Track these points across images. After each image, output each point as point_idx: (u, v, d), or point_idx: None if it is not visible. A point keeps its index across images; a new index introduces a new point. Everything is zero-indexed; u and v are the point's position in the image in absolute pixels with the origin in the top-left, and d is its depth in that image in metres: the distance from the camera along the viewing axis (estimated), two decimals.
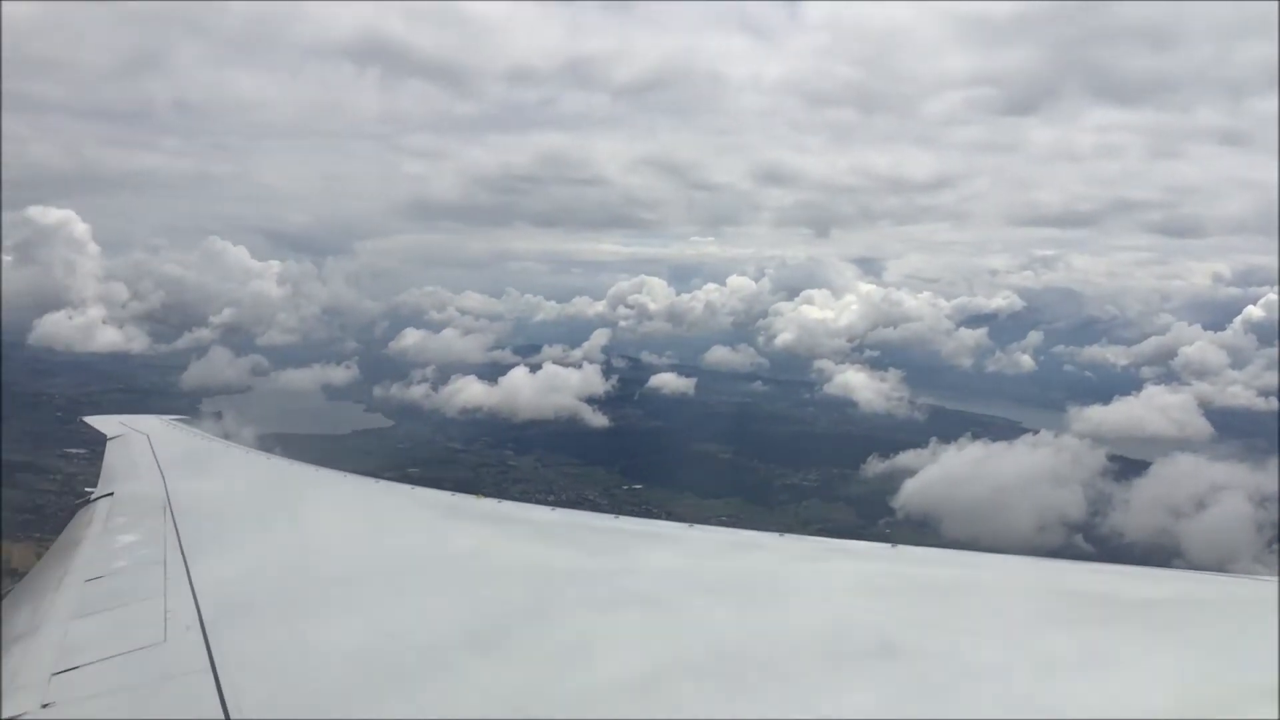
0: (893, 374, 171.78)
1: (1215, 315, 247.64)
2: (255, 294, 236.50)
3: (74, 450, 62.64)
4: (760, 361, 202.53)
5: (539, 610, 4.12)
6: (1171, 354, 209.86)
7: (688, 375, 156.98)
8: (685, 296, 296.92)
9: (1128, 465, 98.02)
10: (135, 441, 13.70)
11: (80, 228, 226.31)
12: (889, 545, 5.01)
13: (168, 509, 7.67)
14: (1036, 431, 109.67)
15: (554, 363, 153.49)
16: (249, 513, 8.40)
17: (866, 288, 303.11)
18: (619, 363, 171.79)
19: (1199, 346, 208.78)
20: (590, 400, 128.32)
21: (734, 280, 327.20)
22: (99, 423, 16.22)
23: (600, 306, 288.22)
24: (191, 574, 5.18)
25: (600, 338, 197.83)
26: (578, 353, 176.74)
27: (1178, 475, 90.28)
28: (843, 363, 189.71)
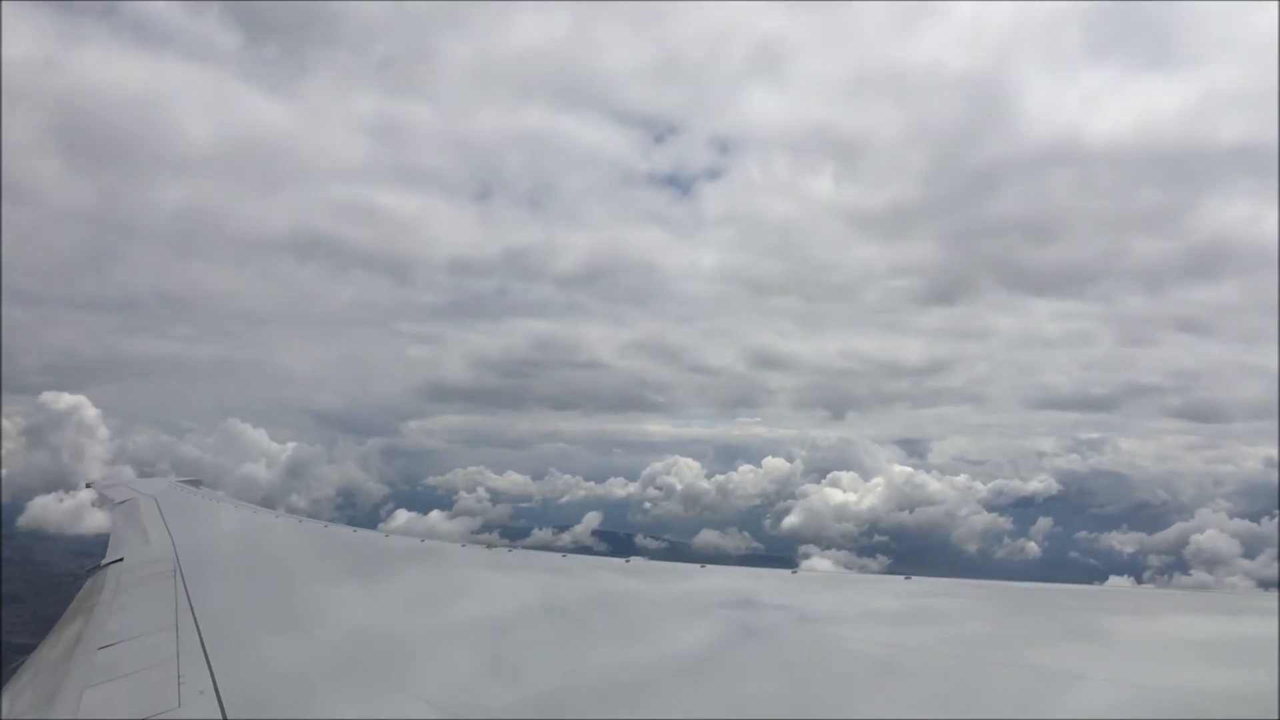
0: (878, 561, 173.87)
1: (1267, 502, 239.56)
2: (242, 477, 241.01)
3: None
4: (755, 546, 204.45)
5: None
6: (1184, 542, 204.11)
7: (662, 559, 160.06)
8: (719, 478, 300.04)
9: None
10: (144, 505, 13.58)
11: (91, 412, 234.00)
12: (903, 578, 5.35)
13: (178, 572, 7.59)
14: None
15: (537, 546, 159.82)
16: (260, 572, 8.26)
17: (900, 469, 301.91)
18: (600, 547, 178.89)
19: (1210, 535, 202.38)
20: None
21: (769, 461, 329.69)
22: (106, 488, 16.22)
23: (633, 487, 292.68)
24: (204, 637, 5.06)
25: (593, 520, 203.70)
26: (566, 536, 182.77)
27: None
28: (835, 548, 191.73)
